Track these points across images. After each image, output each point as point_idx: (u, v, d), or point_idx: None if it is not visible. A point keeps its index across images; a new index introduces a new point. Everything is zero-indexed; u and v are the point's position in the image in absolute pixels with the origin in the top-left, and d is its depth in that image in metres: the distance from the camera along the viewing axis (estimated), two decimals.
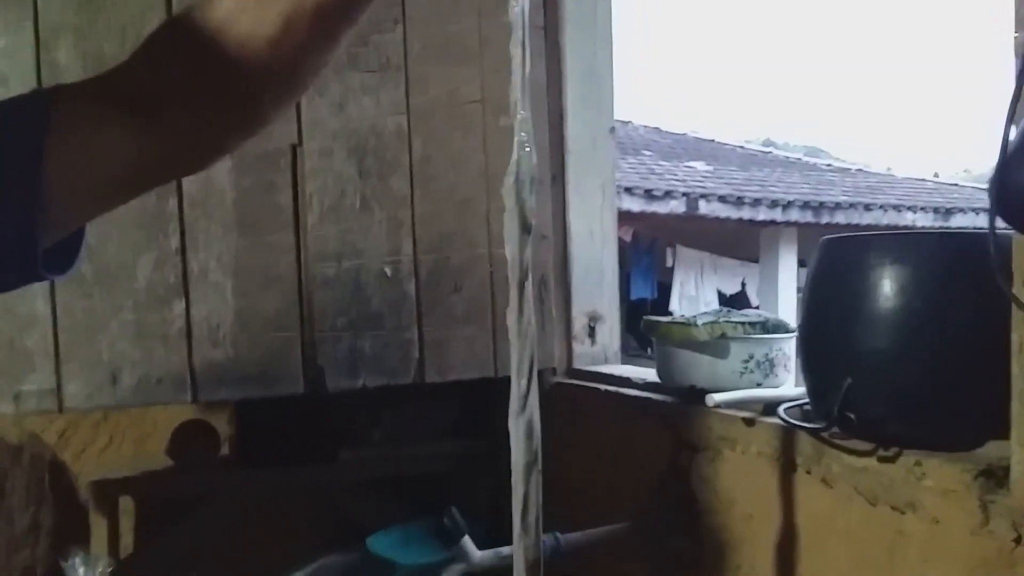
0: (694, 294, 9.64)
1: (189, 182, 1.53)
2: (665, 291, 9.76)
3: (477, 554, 1.27)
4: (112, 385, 1.50)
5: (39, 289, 1.45)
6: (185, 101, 0.63)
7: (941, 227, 10.56)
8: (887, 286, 0.97)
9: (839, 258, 1.04)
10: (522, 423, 0.54)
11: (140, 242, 1.51)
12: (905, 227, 10.16)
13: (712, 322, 1.32)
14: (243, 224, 1.57)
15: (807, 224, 8.72)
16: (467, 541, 1.27)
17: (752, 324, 1.32)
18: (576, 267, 1.80)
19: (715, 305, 9.70)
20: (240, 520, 1.95)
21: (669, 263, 9.46)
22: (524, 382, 0.53)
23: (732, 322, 1.32)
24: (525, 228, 0.55)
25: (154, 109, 0.62)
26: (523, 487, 0.54)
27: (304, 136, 1.61)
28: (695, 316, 1.38)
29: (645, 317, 1.44)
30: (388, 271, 1.66)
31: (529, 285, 0.54)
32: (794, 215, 8.53)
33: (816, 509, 1.08)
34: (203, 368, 1.54)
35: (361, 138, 1.63)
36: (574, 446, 1.65)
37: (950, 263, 0.96)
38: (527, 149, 0.55)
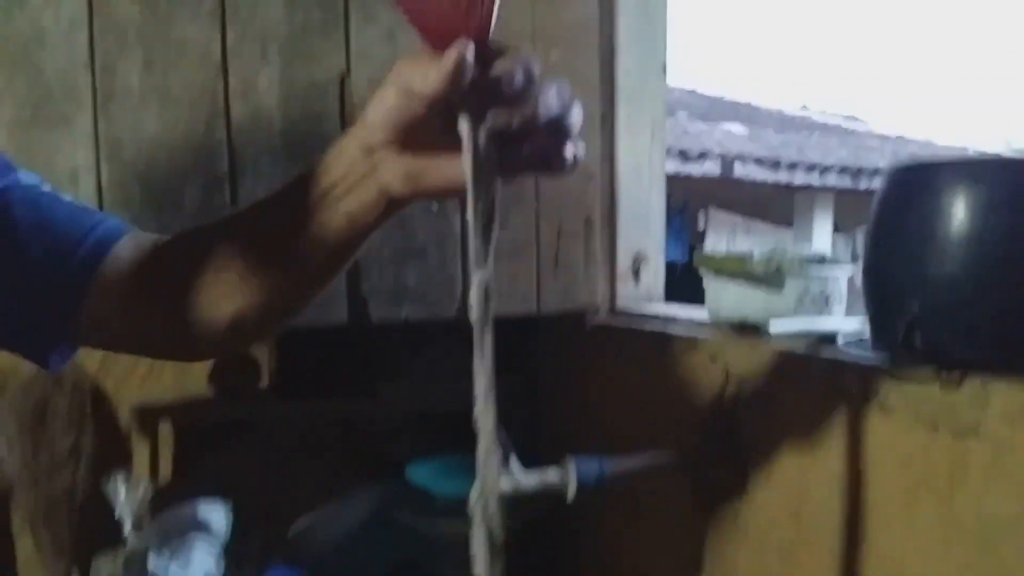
0: None
1: (237, 111, 1.52)
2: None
3: (522, 476, 1.26)
4: None
5: None
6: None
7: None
8: (960, 210, 0.94)
9: (909, 184, 1.01)
10: None
11: (188, 167, 1.51)
12: None
13: (768, 256, 1.30)
14: (290, 152, 1.56)
15: (844, 190, 8.58)
16: (513, 461, 1.27)
17: (808, 259, 1.30)
18: (623, 206, 1.77)
19: None
20: (278, 451, 1.97)
21: (701, 226, 9.37)
22: None
23: (789, 255, 1.30)
24: (493, 548, 0.56)
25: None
26: None
27: (352, 66, 1.59)
28: (750, 250, 1.35)
29: (698, 252, 1.42)
30: (434, 205, 1.64)
31: None
32: (832, 180, 8.39)
33: (873, 437, 1.06)
34: None
35: None
36: (616, 388, 1.64)
37: None
38: (493, 468, 0.58)
